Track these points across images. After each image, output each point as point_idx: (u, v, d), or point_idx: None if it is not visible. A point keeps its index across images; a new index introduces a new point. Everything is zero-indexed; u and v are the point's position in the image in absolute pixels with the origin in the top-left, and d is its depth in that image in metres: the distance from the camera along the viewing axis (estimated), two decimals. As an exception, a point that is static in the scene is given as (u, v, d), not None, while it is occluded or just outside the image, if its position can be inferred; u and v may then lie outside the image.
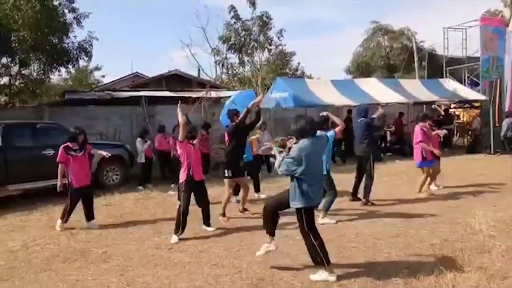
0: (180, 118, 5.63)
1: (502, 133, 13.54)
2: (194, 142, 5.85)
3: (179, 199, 5.94)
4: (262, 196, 8.01)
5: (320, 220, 5.81)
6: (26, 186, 8.60)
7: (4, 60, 13.78)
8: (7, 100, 16.32)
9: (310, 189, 3.97)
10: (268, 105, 13.27)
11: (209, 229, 5.86)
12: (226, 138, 8.98)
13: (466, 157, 13.22)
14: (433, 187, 8.18)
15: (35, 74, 14.97)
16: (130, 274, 4.38)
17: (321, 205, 5.72)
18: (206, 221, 5.92)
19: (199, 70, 20.63)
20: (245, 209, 6.88)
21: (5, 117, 9.51)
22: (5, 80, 15.33)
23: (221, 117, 8.72)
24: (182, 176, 5.69)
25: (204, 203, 5.88)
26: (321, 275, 4.00)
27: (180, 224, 5.49)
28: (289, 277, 4.11)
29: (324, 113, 6.20)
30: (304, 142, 4.03)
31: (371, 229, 5.66)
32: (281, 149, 4.22)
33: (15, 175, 8.15)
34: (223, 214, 6.48)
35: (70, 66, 14.71)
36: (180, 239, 5.43)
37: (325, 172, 5.59)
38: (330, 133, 5.66)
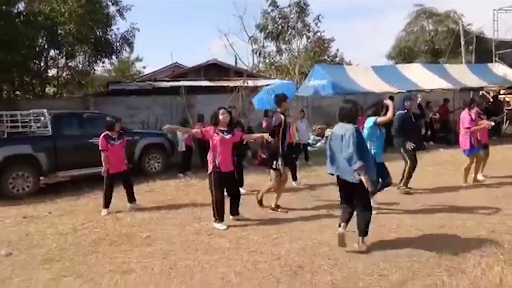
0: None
1: None
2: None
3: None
4: (299, 185, 7.98)
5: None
6: (74, 172, 9.03)
7: (52, 52, 14.46)
8: (55, 91, 17.14)
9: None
10: (306, 93, 13.13)
11: (238, 217, 5.80)
12: (265, 125, 8.94)
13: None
14: (480, 177, 7.83)
15: (80, 65, 15.63)
16: (173, 258, 4.52)
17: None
18: (233, 211, 5.82)
19: (236, 59, 20.71)
20: (278, 206, 6.32)
21: (54, 107, 9.98)
22: (53, 72, 16.10)
23: (256, 100, 8.66)
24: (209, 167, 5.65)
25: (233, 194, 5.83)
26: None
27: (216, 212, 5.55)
28: (328, 266, 4.09)
29: (387, 101, 5.98)
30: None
31: (414, 219, 5.50)
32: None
33: (64, 162, 8.61)
34: (276, 206, 6.27)
35: (113, 57, 15.22)
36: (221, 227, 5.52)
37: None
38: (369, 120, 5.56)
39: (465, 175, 7.49)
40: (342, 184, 4.52)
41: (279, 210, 6.26)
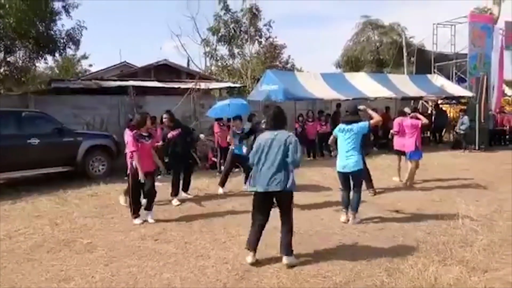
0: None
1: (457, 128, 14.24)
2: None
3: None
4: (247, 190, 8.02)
5: (351, 221, 5.62)
6: (11, 175, 8.49)
7: (-12, 46, 13.48)
8: (-9, 88, 16.02)
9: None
10: (258, 98, 13.24)
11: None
12: (217, 130, 9.23)
13: (451, 152, 13.40)
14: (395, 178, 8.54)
15: (20, 61, 14.69)
16: (115, 264, 4.35)
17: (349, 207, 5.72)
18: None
19: (188, 60, 20.49)
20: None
21: (-11, 105, 9.33)
22: (-11, 67, 15.01)
23: (212, 110, 8.68)
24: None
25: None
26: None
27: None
28: (275, 269, 4.13)
29: (361, 107, 6.08)
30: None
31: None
32: None
33: (0, 164, 8.03)
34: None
35: (57, 55, 14.46)
36: (162, 230, 5.47)
37: (357, 168, 5.57)
38: (362, 124, 5.67)
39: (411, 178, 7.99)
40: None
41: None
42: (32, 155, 8.38)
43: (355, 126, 5.63)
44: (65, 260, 4.52)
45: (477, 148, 13.78)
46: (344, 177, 5.72)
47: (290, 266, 4.15)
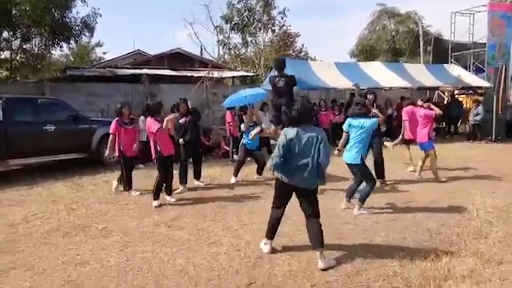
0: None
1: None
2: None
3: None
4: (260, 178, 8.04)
5: (356, 211, 5.60)
6: (27, 161, 8.64)
7: (5, 34, 13.65)
8: (8, 75, 16.24)
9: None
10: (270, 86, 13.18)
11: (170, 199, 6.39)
12: (229, 119, 9.31)
13: (467, 144, 13.20)
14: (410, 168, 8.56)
15: (36, 49, 14.85)
16: (130, 250, 4.43)
17: (357, 195, 5.72)
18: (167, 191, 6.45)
19: (201, 49, 20.46)
20: None
21: (6, 91, 9.46)
22: (6, 54, 15.22)
23: (228, 100, 8.71)
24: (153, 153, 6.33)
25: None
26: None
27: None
28: (287, 257, 4.15)
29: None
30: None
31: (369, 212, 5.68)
32: None
33: (16, 150, 8.16)
34: None
35: (72, 42, 14.58)
36: (176, 217, 5.56)
37: (355, 162, 5.56)
38: (373, 122, 5.66)
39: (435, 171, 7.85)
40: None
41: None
42: (48, 141, 8.51)
43: (367, 123, 5.57)
44: (81, 244, 4.61)
45: (493, 139, 13.53)
46: (348, 168, 5.77)
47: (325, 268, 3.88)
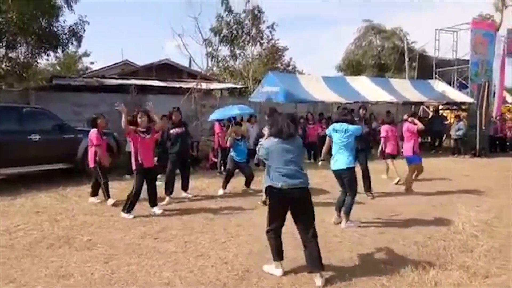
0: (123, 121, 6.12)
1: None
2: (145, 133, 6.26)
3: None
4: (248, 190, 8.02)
5: (343, 224, 5.62)
6: (11, 171, 8.45)
7: (-10, 41, 13.46)
8: (-7, 83, 15.97)
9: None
10: (258, 99, 13.26)
11: (155, 210, 6.31)
12: (218, 130, 9.35)
13: (452, 158, 13.42)
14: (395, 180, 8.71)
15: (22, 57, 14.64)
16: (115, 262, 4.34)
17: (342, 209, 5.70)
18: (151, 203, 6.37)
19: (190, 60, 20.47)
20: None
21: (-10, 100, 9.30)
22: (-9, 62, 14.97)
23: (216, 114, 8.82)
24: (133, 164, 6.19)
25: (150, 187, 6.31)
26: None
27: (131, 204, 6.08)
28: (275, 270, 4.11)
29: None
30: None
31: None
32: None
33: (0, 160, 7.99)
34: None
35: (59, 51, 14.43)
36: (162, 229, 5.47)
37: (342, 167, 5.54)
38: (357, 127, 5.70)
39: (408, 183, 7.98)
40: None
41: None
42: (32, 151, 8.35)
43: (350, 127, 5.61)
44: (65, 256, 4.50)
45: (477, 154, 13.78)
46: (337, 176, 5.71)
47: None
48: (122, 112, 6.10)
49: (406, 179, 8.08)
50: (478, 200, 7.27)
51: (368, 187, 7.44)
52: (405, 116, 8.62)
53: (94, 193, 7.12)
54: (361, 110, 7.74)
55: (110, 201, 6.82)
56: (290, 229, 4.20)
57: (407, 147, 8.02)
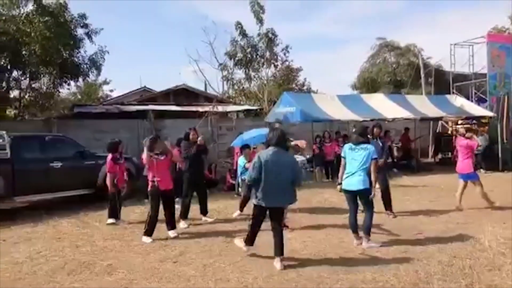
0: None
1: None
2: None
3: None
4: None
5: (365, 244, 5.47)
6: (33, 198, 8.63)
7: (15, 73, 14.02)
8: (17, 113, 16.53)
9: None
10: (274, 119, 13.29)
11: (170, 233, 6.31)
12: (238, 150, 9.40)
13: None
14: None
15: (45, 87, 15.18)
16: (135, 287, 4.35)
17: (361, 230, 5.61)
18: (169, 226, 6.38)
19: (205, 84, 20.81)
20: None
21: (14, 129, 9.59)
22: (15, 93, 15.56)
23: (238, 140, 9.01)
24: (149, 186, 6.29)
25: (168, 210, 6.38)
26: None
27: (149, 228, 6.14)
28: (295, 292, 4.05)
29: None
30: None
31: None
32: None
33: (22, 187, 8.18)
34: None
35: (80, 80, 14.92)
36: (181, 253, 5.47)
37: (365, 187, 5.46)
38: (374, 148, 5.65)
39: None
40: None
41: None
42: (54, 178, 8.55)
43: (369, 146, 5.58)
44: (86, 282, 4.53)
45: (500, 168, 13.40)
46: (351, 196, 5.62)
47: (282, 267, 4.71)
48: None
49: (483, 195, 7.80)
50: (503, 216, 7.04)
51: (389, 206, 7.29)
52: (462, 130, 8.40)
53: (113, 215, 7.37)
54: (375, 129, 7.58)
55: (110, 220, 7.24)
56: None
57: (468, 164, 7.81)
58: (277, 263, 4.77)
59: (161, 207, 6.29)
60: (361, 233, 5.60)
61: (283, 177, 4.83)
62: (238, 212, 7.68)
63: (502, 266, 4.58)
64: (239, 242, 5.24)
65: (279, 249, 4.87)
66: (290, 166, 4.93)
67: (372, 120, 12.05)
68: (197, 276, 4.61)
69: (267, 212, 4.99)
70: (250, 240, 5.13)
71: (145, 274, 4.71)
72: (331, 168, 12.40)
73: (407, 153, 14.81)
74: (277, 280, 4.39)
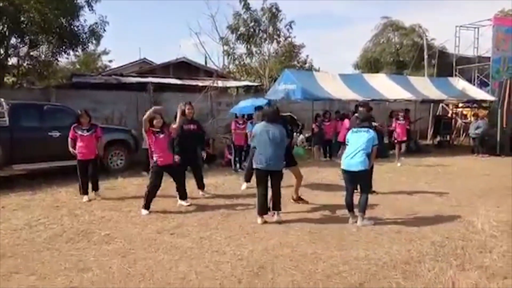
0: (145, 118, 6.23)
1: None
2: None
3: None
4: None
5: (359, 222, 5.56)
6: (31, 166, 8.65)
7: (13, 40, 13.81)
8: (15, 81, 16.39)
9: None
10: (275, 97, 13.22)
11: (183, 203, 6.56)
12: (233, 127, 9.47)
13: (471, 157, 13.14)
14: None
15: (43, 56, 15.00)
16: (132, 256, 4.42)
17: (356, 208, 5.72)
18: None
19: (206, 58, 20.58)
20: (299, 198, 6.77)
21: (12, 97, 9.54)
22: (13, 60, 15.38)
23: (238, 108, 8.96)
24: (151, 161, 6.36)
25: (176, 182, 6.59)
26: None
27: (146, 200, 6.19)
28: (290, 267, 4.12)
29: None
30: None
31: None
32: None
33: (21, 155, 8.20)
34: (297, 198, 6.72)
35: (79, 49, 14.71)
36: (179, 225, 5.55)
37: (363, 168, 5.54)
38: (373, 135, 5.69)
39: None
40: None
41: (300, 202, 6.76)
42: (52, 147, 8.54)
43: (371, 131, 5.67)
44: (84, 250, 4.60)
45: (498, 153, 13.46)
46: (350, 176, 5.71)
47: (279, 221, 5.58)
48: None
49: None
50: (498, 200, 7.11)
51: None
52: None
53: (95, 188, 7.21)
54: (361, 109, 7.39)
55: (85, 198, 6.93)
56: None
57: None
58: (275, 216, 5.66)
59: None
60: (356, 212, 5.69)
61: (273, 145, 5.57)
62: (245, 184, 7.74)
63: (494, 248, 4.66)
64: (259, 218, 5.65)
65: (277, 205, 5.71)
66: (279, 137, 5.62)
67: (372, 100, 11.98)
68: (194, 248, 4.68)
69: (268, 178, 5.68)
70: (262, 209, 5.65)
71: (142, 245, 4.78)
72: (330, 147, 12.44)
73: (406, 134, 14.80)
74: (272, 254, 4.46)
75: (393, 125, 12.08)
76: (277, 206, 5.74)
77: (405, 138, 11.98)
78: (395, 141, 11.59)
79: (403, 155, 12.49)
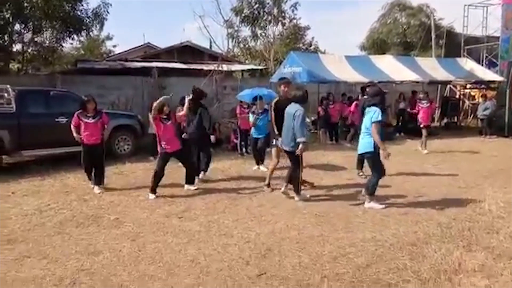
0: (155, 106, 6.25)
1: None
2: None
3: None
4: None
5: (366, 204, 5.59)
6: (39, 152, 8.72)
7: (17, 26, 13.76)
8: (20, 67, 16.40)
9: None
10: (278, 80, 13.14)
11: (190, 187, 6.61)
12: (239, 111, 9.51)
13: (479, 138, 13.04)
14: None
15: (47, 41, 14.95)
16: (141, 240, 4.48)
17: (364, 190, 5.76)
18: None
19: (210, 42, 20.43)
20: (304, 182, 6.49)
21: (18, 84, 9.54)
22: (18, 47, 15.35)
23: (243, 94, 9.04)
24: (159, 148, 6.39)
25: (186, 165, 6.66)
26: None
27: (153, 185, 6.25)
28: (297, 249, 4.16)
29: None
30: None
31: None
32: None
33: (29, 141, 8.26)
34: (268, 185, 6.59)
35: (83, 34, 14.63)
36: (187, 209, 5.60)
37: (367, 150, 5.54)
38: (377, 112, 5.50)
39: None
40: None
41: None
42: (60, 133, 8.57)
43: (373, 108, 5.53)
44: (94, 234, 4.68)
45: (506, 134, 13.33)
46: (359, 157, 5.77)
47: (285, 193, 6.02)
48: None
49: None
50: (505, 181, 7.07)
51: (361, 167, 7.28)
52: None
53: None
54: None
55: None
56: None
57: None
58: (283, 188, 6.07)
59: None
60: (364, 193, 5.71)
61: (287, 125, 5.78)
62: (256, 166, 8.08)
63: (501, 229, 4.67)
64: (296, 197, 5.95)
65: (288, 179, 6.05)
66: (291, 117, 5.68)
67: (379, 82, 11.86)
68: (202, 231, 4.74)
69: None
70: (298, 185, 5.93)
71: (151, 228, 4.84)
72: (335, 130, 12.38)
73: (415, 116, 14.67)
74: (279, 237, 4.51)
75: (417, 108, 11.52)
76: (288, 179, 6.12)
77: (429, 123, 11.38)
78: (420, 125, 10.98)
79: (410, 137, 12.42)
